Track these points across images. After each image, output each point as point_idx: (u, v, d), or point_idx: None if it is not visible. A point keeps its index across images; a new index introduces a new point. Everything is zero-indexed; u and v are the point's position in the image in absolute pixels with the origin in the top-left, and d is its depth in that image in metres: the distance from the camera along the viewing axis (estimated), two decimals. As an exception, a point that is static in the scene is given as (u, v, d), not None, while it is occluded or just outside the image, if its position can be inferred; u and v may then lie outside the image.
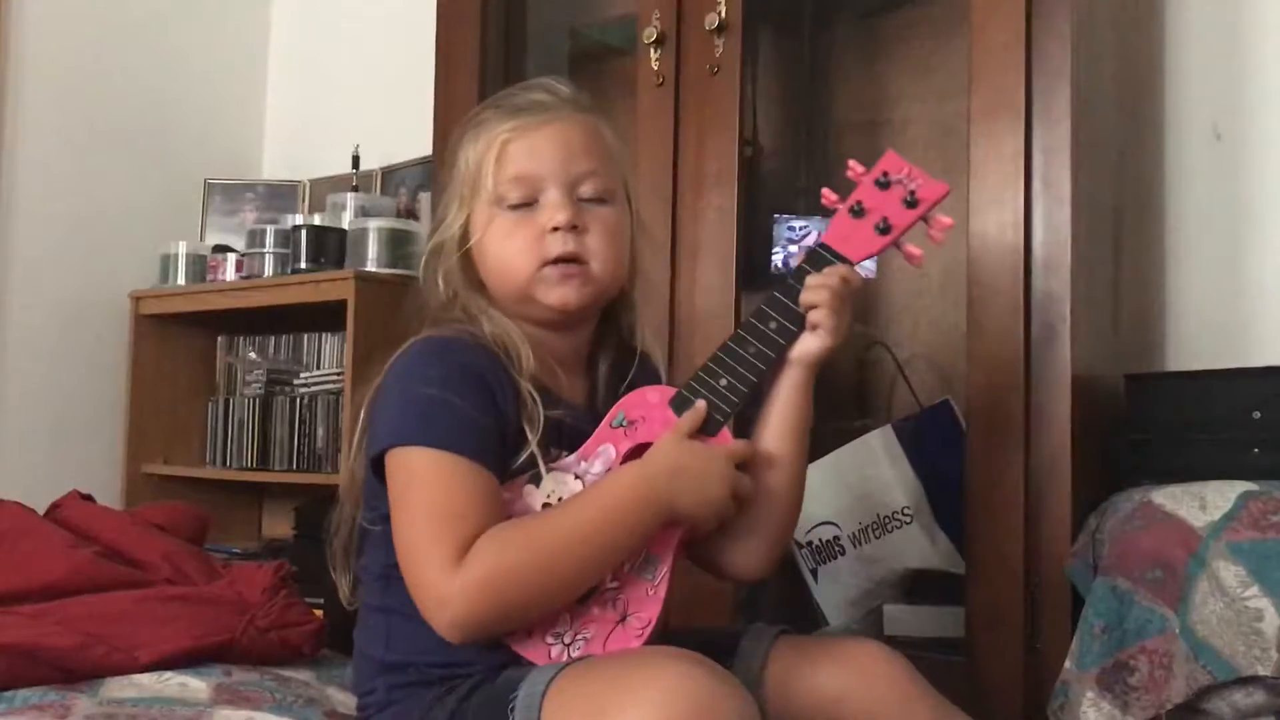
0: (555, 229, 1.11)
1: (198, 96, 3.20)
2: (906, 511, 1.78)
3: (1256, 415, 1.46)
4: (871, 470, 1.81)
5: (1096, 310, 1.64)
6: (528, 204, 1.13)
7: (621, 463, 1.11)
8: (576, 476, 1.10)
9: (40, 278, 2.86)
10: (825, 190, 1.18)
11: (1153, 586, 1.31)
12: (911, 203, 1.14)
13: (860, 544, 1.81)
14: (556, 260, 1.12)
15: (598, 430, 1.12)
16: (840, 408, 2.14)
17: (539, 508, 1.08)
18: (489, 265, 1.15)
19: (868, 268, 2.13)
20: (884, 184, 1.15)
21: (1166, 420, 1.53)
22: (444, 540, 1.01)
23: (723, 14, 1.79)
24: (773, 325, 1.14)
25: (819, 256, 1.15)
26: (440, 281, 1.18)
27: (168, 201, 3.10)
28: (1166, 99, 1.94)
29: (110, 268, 2.97)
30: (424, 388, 1.07)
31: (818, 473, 1.81)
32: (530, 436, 1.08)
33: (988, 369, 1.55)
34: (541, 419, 1.09)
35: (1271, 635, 1.22)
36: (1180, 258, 1.91)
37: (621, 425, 1.12)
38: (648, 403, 1.13)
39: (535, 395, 1.10)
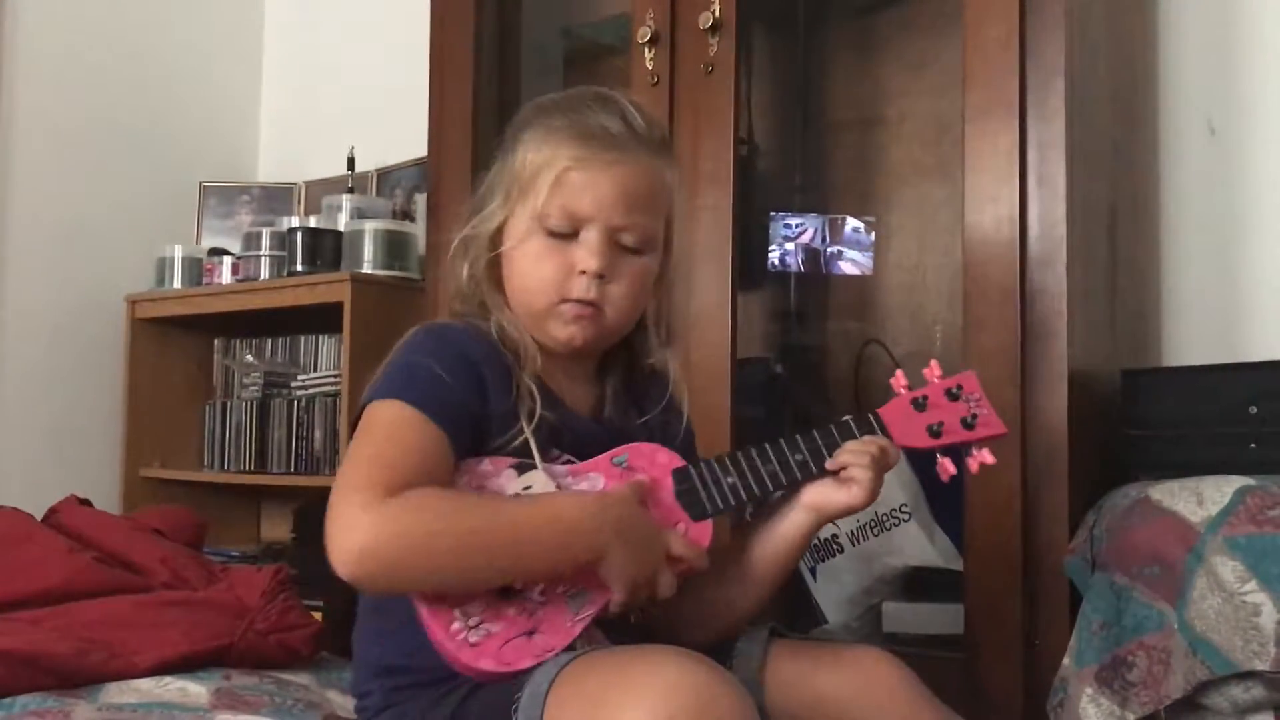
0: (583, 272, 1.11)
1: (192, 99, 3.19)
2: (904, 509, 1.78)
3: (1253, 410, 1.46)
4: (869, 468, 1.81)
5: (1092, 306, 1.64)
6: (568, 234, 1.12)
7: None
8: (558, 486, 1.10)
9: (36, 281, 2.85)
10: (899, 373, 1.20)
11: (1151, 582, 1.32)
12: (969, 425, 1.17)
13: (858, 542, 1.81)
14: (576, 300, 1.13)
15: (598, 458, 1.13)
16: (837, 405, 2.14)
17: (510, 491, 1.08)
18: (514, 279, 1.15)
19: (864, 266, 2.14)
20: (953, 396, 1.18)
21: (1163, 416, 1.53)
22: (376, 484, 0.99)
23: (717, 13, 1.79)
24: (798, 458, 1.15)
25: (867, 423, 1.17)
26: (465, 269, 1.18)
27: (163, 205, 3.09)
28: (1161, 95, 1.94)
29: (106, 271, 2.97)
30: (413, 356, 1.09)
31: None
32: (525, 425, 1.08)
33: (984, 365, 1.55)
34: (538, 414, 1.09)
35: (1269, 630, 1.22)
36: (1176, 253, 1.91)
37: (620, 466, 1.12)
38: (655, 461, 1.13)
39: (535, 391, 1.10)
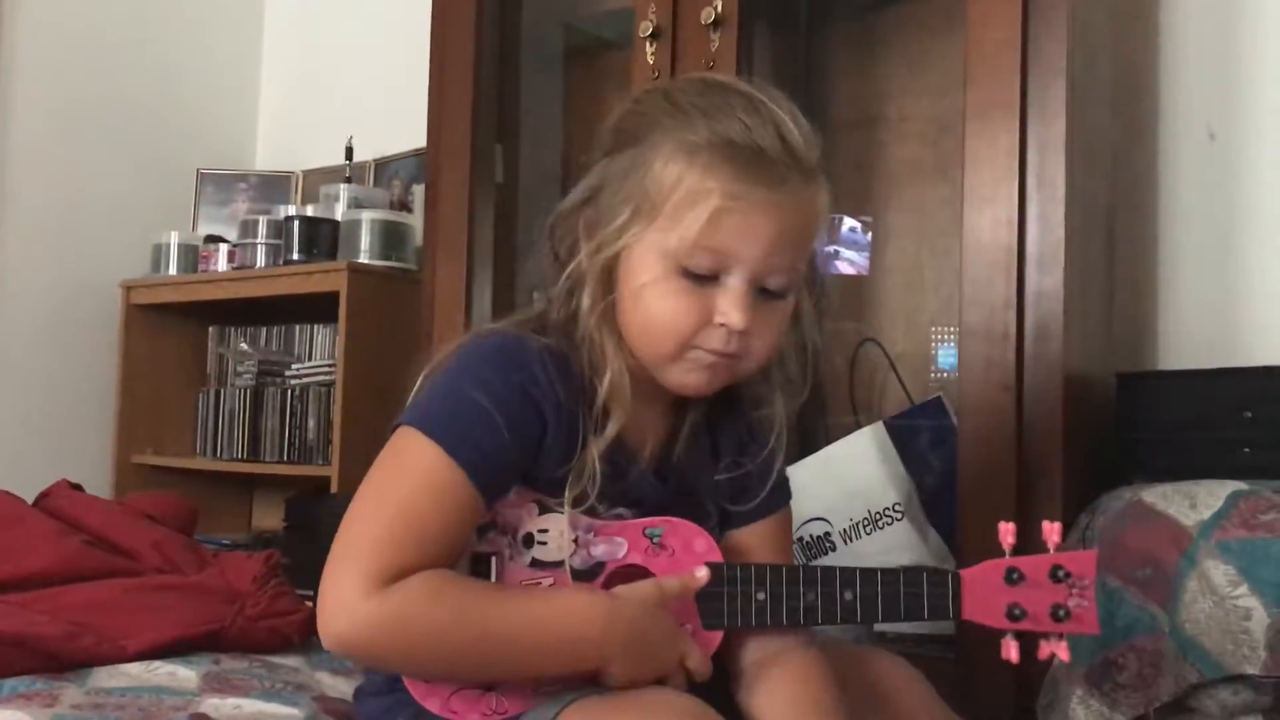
0: (723, 325, 0.97)
1: (191, 86, 3.19)
2: (898, 508, 1.78)
3: (1247, 415, 1.47)
4: (863, 466, 1.81)
5: (1089, 309, 1.64)
6: (707, 276, 0.97)
7: (621, 568, 1.02)
8: (575, 540, 1.01)
9: (31, 266, 2.85)
10: (1009, 528, 0.99)
11: (1143, 585, 1.32)
12: (1061, 617, 0.97)
13: (851, 540, 1.81)
14: (711, 350, 0.99)
15: (629, 523, 1.03)
16: (832, 404, 2.14)
17: (522, 532, 1.00)
18: (636, 317, 0.99)
19: (860, 265, 2.14)
20: (1058, 578, 0.98)
21: (1158, 419, 1.54)
22: (384, 553, 0.90)
23: (719, 9, 1.79)
24: (848, 596, 1.00)
25: (942, 581, 1.01)
26: (586, 302, 1.00)
27: (160, 191, 3.09)
28: (1161, 99, 1.94)
29: (102, 257, 2.96)
30: (476, 391, 0.95)
31: (809, 469, 1.82)
32: (566, 502, 0.98)
33: (980, 366, 1.56)
34: (591, 500, 0.98)
35: (1260, 634, 1.22)
36: (1173, 257, 1.91)
37: (650, 539, 1.02)
38: (690, 547, 1.02)
39: (598, 474, 0.98)
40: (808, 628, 1.04)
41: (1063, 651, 0.98)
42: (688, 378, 1.00)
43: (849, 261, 2.15)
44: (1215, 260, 1.88)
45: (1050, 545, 0.98)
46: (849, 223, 2.15)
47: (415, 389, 1.01)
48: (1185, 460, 1.48)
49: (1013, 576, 0.98)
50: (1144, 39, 1.94)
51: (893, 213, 2.15)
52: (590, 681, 0.97)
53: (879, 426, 1.84)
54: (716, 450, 1.09)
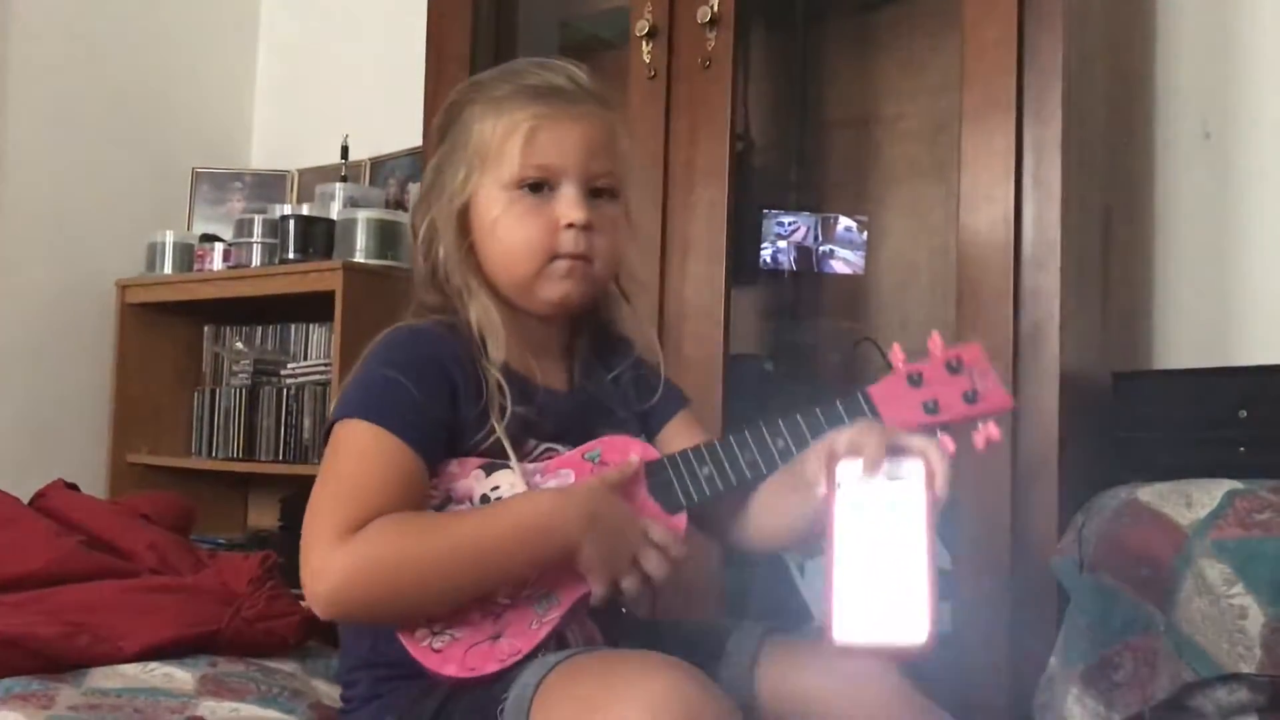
0: (570, 225, 1.11)
1: (186, 85, 3.18)
2: (894, 507, 1.78)
3: (1243, 414, 1.47)
4: (859, 465, 1.81)
5: (1085, 308, 1.65)
6: (544, 193, 1.12)
7: None
8: (528, 485, 1.08)
9: (27, 265, 2.84)
10: (896, 347, 1.11)
11: (1139, 584, 1.32)
12: (971, 400, 1.07)
13: (847, 539, 1.81)
14: (566, 256, 1.12)
15: (570, 454, 1.12)
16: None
17: (477, 495, 1.08)
18: (495, 250, 1.14)
19: (856, 265, 2.14)
20: (954, 369, 1.08)
21: (1154, 418, 1.54)
22: (342, 511, 1.00)
23: (715, 8, 1.79)
24: (780, 444, 1.09)
25: (856, 403, 1.09)
26: (442, 253, 1.15)
27: (155, 190, 3.08)
28: (1157, 99, 1.95)
29: (97, 256, 2.95)
30: (381, 369, 1.07)
31: (806, 468, 1.81)
32: (497, 425, 1.08)
33: (976, 365, 1.55)
34: (509, 410, 1.08)
35: (1255, 633, 1.22)
36: (1169, 256, 1.91)
37: (593, 460, 1.11)
38: (628, 454, 1.11)
39: (505, 386, 1.09)
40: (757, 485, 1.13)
41: (994, 432, 1.07)
42: (554, 290, 1.13)
43: (844, 261, 2.15)
44: (1211, 259, 1.89)
45: (935, 351, 1.09)
46: (844, 222, 2.15)
47: (334, 407, 1.10)
48: (1181, 459, 1.48)
49: (914, 378, 1.09)
50: (1140, 39, 1.94)
51: (889, 212, 2.15)
52: (561, 584, 1.04)
53: (875, 425, 1.83)
54: (609, 367, 1.22)
